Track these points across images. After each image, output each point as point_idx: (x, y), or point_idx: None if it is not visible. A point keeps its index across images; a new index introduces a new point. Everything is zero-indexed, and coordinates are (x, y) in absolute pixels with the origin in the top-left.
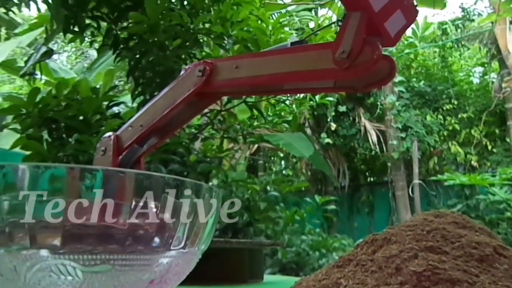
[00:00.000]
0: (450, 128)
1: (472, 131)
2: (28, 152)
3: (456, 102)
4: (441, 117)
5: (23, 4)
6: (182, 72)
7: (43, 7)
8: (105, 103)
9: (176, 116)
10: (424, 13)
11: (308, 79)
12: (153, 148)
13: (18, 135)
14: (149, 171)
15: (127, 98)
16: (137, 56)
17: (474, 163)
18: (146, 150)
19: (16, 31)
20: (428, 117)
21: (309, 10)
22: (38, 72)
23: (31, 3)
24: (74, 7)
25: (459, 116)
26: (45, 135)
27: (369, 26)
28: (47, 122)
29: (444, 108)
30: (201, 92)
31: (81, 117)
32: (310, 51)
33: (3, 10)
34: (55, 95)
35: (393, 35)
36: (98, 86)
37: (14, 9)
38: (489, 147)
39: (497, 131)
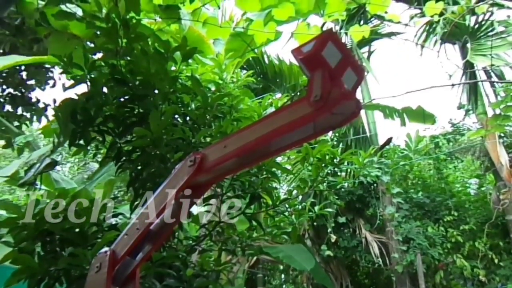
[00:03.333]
0: (453, 240)
1: (476, 244)
2: (17, 267)
3: (456, 214)
4: (442, 228)
5: (34, 118)
6: (172, 171)
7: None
8: (104, 214)
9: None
10: (416, 128)
11: (292, 129)
12: (147, 257)
13: (9, 249)
14: (144, 287)
15: (126, 208)
16: (139, 167)
17: (482, 278)
18: (139, 261)
19: (18, 141)
20: (430, 229)
21: None
22: (38, 182)
23: (42, 117)
24: (82, 122)
25: (461, 227)
26: (38, 248)
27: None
28: (42, 234)
29: (445, 219)
30: (191, 184)
31: (77, 229)
32: (287, 108)
33: (16, 123)
34: (54, 206)
35: (350, 88)
36: (97, 197)
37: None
38: (496, 261)
39: (501, 243)
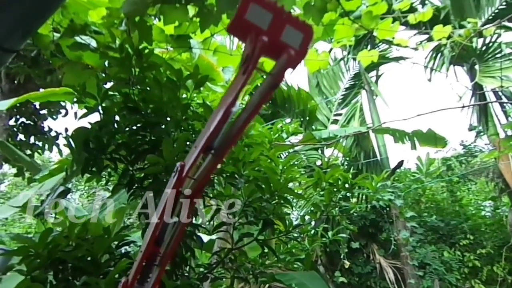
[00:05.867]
0: (470, 264)
1: (494, 268)
2: None
3: (472, 237)
4: (459, 253)
5: (46, 147)
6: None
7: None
8: (115, 242)
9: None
10: (426, 150)
11: (235, 103)
12: (157, 283)
13: (22, 278)
14: None
15: (137, 235)
16: (151, 195)
17: None
18: (151, 286)
19: (37, 176)
20: (446, 253)
21: (316, 149)
22: (53, 213)
23: (54, 146)
24: (95, 150)
25: (478, 251)
26: (51, 276)
27: (271, 47)
28: (54, 263)
29: (461, 243)
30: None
31: (89, 258)
32: (229, 87)
33: (28, 152)
34: (67, 235)
35: (297, 47)
36: (109, 223)
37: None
38: None
39: None
